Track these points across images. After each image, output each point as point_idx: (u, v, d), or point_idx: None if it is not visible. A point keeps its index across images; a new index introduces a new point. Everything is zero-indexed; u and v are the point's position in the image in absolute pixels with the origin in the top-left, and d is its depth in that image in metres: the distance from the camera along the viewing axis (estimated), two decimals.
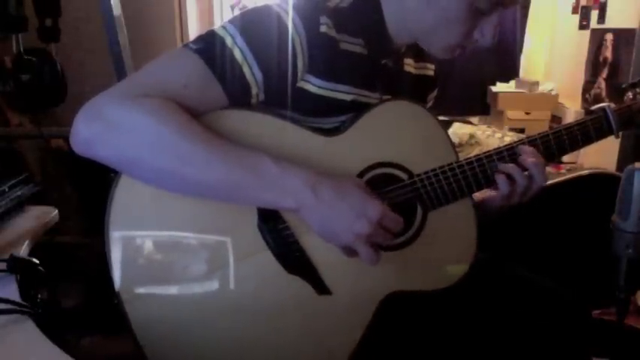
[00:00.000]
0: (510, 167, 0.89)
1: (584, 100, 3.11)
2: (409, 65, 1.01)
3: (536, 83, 3.44)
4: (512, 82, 3.61)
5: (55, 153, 2.40)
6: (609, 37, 2.88)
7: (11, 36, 2.30)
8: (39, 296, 0.91)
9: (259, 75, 0.81)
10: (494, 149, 0.91)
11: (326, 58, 0.85)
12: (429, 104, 1.08)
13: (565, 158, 1.57)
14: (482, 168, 0.90)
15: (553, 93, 3.41)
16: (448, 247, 0.93)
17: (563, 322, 0.99)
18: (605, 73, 2.92)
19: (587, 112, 0.97)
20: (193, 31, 2.93)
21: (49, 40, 2.36)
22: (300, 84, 0.85)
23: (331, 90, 0.86)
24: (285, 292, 0.85)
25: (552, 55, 3.73)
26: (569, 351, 0.98)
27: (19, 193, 1.20)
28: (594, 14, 3.05)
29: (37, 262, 0.90)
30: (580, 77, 3.14)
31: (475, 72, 3.58)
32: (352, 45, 0.88)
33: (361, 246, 0.77)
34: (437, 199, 0.89)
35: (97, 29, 2.09)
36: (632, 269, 0.79)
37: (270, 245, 0.84)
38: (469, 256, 0.92)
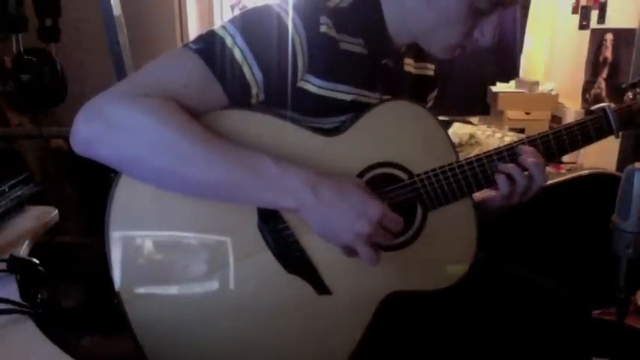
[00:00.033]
0: (510, 167, 0.89)
1: (584, 100, 3.11)
2: (409, 65, 1.01)
3: (536, 83, 3.44)
4: (512, 82, 3.62)
5: (55, 153, 2.40)
6: (609, 37, 2.88)
7: (11, 36, 2.30)
8: (39, 296, 0.91)
9: (259, 75, 0.81)
10: (494, 149, 0.91)
11: (326, 58, 0.85)
12: (429, 104, 1.08)
13: (565, 158, 1.57)
14: (483, 168, 0.90)
15: (553, 93, 3.41)
16: (448, 247, 0.93)
17: (563, 322, 0.99)
18: (605, 73, 2.92)
19: (587, 112, 0.97)
20: (193, 31, 2.93)
21: (49, 40, 2.36)
22: (300, 84, 0.85)
23: (331, 90, 0.86)
24: (285, 292, 0.85)
25: (552, 55, 3.73)
26: (569, 351, 0.98)
27: (19, 193, 1.20)
28: (594, 14, 3.05)
29: (37, 262, 0.90)
30: (580, 77, 3.14)
31: (475, 72, 3.58)
32: (352, 45, 0.88)
33: (361, 246, 0.77)
34: (437, 199, 0.89)
35: (97, 29, 2.09)
36: (632, 269, 0.79)
37: (270, 245, 0.84)
38: (469, 256, 0.92)
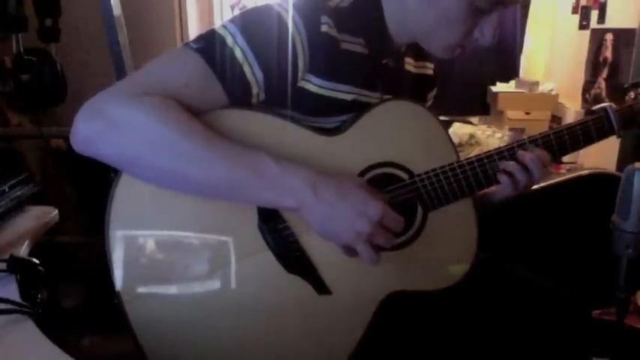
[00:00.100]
0: (511, 165, 0.89)
1: (584, 100, 3.11)
2: (409, 64, 1.01)
3: (536, 83, 3.44)
4: (512, 82, 3.61)
5: (55, 153, 2.40)
6: (609, 37, 2.88)
7: (11, 36, 2.30)
8: (39, 296, 0.91)
9: (260, 74, 0.81)
10: (495, 149, 0.91)
11: (327, 58, 0.85)
12: (429, 103, 1.09)
13: (565, 158, 1.57)
14: (483, 168, 0.90)
15: (553, 93, 3.41)
16: (449, 247, 0.93)
17: (563, 322, 0.99)
18: (605, 73, 2.92)
19: (588, 112, 0.97)
20: (193, 31, 2.93)
21: (49, 40, 2.36)
22: (301, 84, 0.85)
23: (332, 90, 0.86)
24: (285, 292, 0.85)
25: (552, 55, 3.73)
26: (569, 351, 0.98)
27: (19, 193, 1.20)
28: (594, 14, 3.05)
29: (37, 262, 0.90)
30: (580, 77, 3.14)
31: (475, 72, 3.58)
32: (353, 45, 0.88)
33: (361, 245, 0.77)
34: (437, 199, 0.89)
35: (97, 29, 2.09)
36: (632, 269, 0.79)
37: (270, 245, 0.84)
38: (470, 256, 0.92)
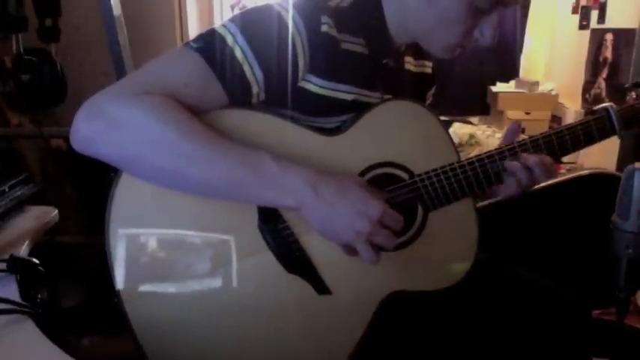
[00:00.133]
0: (515, 165, 0.89)
1: (584, 100, 3.11)
2: (409, 63, 1.01)
3: (536, 83, 3.44)
4: (512, 82, 3.62)
5: (55, 153, 2.40)
6: (609, 37, 2.88)
7: (11, 36, 2.30)
8: (39, 296, 0.91)
9: (260, 74, 0.81)
10: (495, 149, 0.91)
11: (327, 58, 0.85)
12: (429, 101, 1.09)
13: (565, 158, 1.57)
14: (484, 168, 0.90)
15: (553, 93, 3.41)
16: (449, 246, 0.93)
17: (563, 322, 0.99)
18: (605, 73, 2.92)
19: (588, 112, 0.97)
20: (193, 31, 2.93)
21: (49, 40, 2.36)
22: (301, 83, 0.85)
23: (332, 90, 0.86)
24: (285, 292, 0.85)
25: (552, 55, 3.73)
26: (569, 351, 0.98)
27: (19, 193, 1.20)
28: (594, 14, 3.05)
29: (37, 262, 0.89)
30: (580, 77, 3.14)
31: (475, 72, 3.58)
32: (353, 45, 0.88)
33: (361, 245, 0.77)
34: (437, 199, 0.89)
35: (97, 29, 2.10)
36: (632, 269, 0.79)
37: (270, 245, 0.84)
38: (470, 256, 0.92)
